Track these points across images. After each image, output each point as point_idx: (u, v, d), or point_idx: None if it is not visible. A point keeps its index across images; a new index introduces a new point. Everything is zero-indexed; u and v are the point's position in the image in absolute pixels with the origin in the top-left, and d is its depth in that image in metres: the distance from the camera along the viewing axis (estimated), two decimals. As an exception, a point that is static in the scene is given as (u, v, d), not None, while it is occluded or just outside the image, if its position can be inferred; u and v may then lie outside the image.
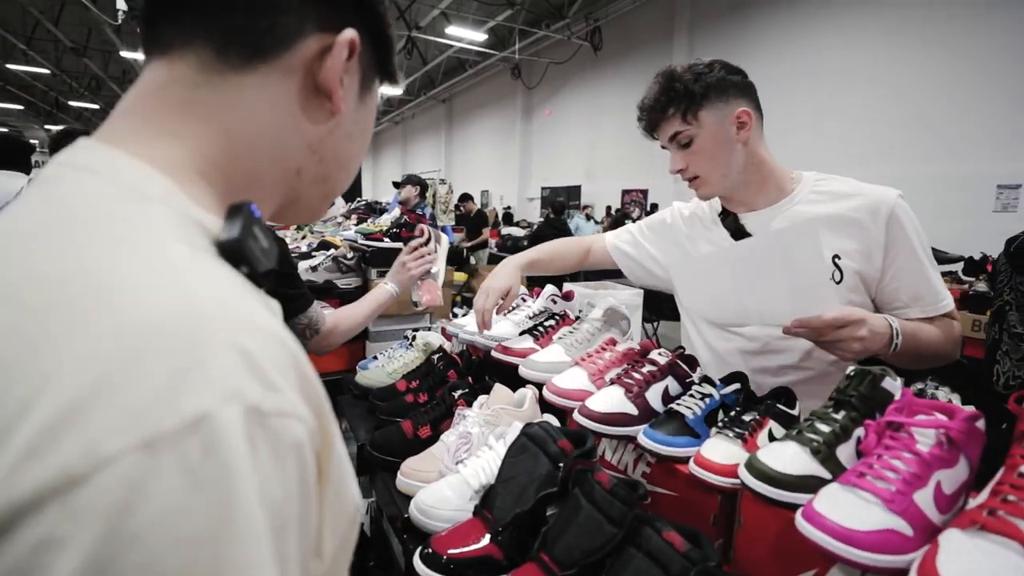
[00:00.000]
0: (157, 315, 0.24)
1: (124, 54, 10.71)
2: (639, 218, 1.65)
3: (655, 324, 4.91)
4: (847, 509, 0.53)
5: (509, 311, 1.25)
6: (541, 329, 1.23)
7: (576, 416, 0.86)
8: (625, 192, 11.59)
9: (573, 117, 12.85)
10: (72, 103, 16.44)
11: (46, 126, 19.92)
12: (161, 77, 0.35)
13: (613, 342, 1.06)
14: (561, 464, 0.72)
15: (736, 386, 0.84)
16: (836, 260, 0.95)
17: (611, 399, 0.86)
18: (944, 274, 3.32)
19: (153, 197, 0.31)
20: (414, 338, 1.41)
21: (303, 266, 2.37)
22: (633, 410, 0.85)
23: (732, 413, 0.79)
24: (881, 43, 6.67)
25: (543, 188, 13.76)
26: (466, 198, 8.06)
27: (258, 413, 0.24)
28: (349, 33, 0.38)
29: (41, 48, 11.85)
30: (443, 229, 4.29)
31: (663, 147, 1.04)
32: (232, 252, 0.31)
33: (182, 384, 0.23)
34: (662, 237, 1.20)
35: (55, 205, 0.29)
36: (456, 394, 1.05)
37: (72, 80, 14.20)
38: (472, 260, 6.80)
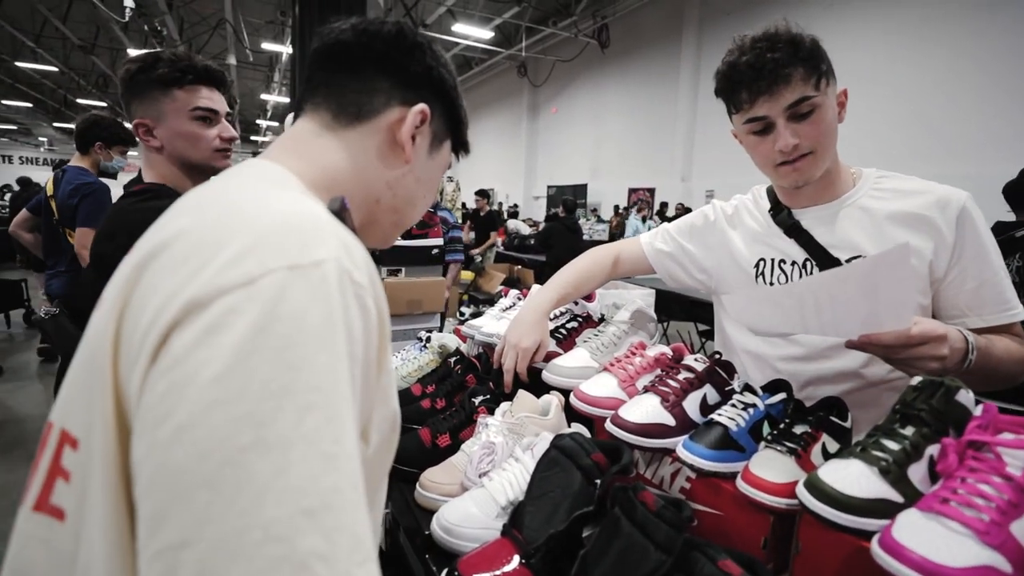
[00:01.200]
0: (294, 214, 0.39)
1: (132, 52, 10.71)
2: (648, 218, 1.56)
3: (665, 324, 4.85)
4: (934, 540, 0.47)
5: (501, 311, 1.18)
6: (564, 332, 1.17)
7: (609, 426, 0.80)
8: (632, 191, 11.51)
9: (579, 115, 12.78)
10: (80, 100, 16.48)
11: (54, 124, 20.00)
12: (300, 126, 0.55)
13: (643, 346, 1.00)
14: (598, 480, 0.67)
15: (782, 396, 0.78)
16: None
17: (646, 408, 0.80)
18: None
19: (288, 179, 0.49)
20: (428, 339, 1.35)
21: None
22: (671, 420, 0.79)
23: (781, 426, 0.73)
24: (890, 43, 6.59)
25: (549, 187, 13.69)
26: (483, 194, 7.96)
27: (349, 275, 0.37)
28: (420, 106, 0.55)
29: (49, 46, 11.87)
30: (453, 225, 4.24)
31: (754, 120, 0.86)
32: (335, 214, 0.44)
33: (307, 244, 0.37)
34: (704, 236, 1.12)
35: (238, 172, 0.50)
36: (476, 400, 0.99)
37: (80, 78, 14.23)
38: (479, 259, 6.73)
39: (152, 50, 1.21)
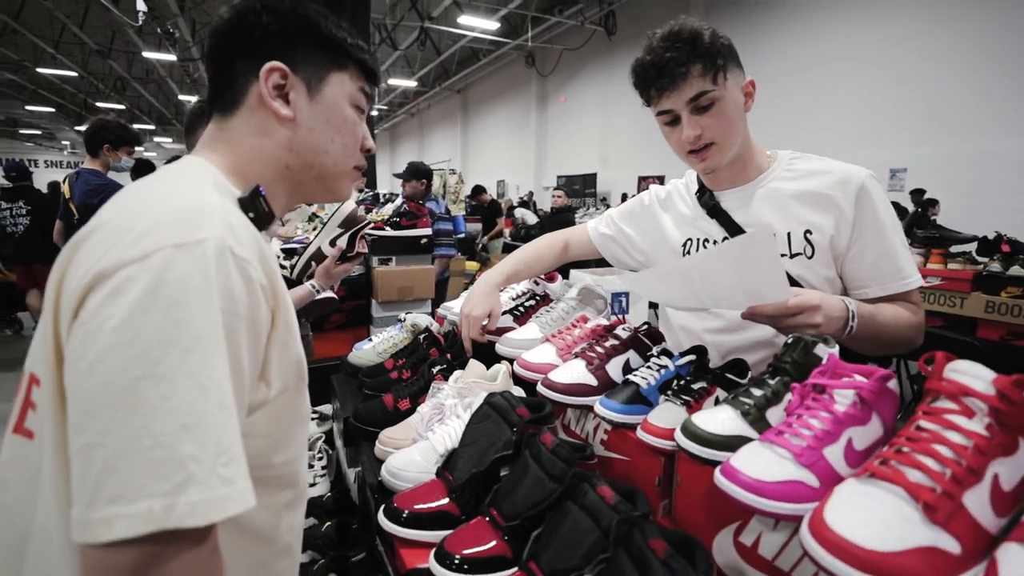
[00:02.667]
0: (192, 203, 0.50)
1: (146, 54, 10.99)
2: None
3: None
4: (760, 463, 0.57)
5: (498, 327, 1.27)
6: (521, 309, 1.28)
7: (540, 388, 0.91)
8: (641, 179, 11.45)
9: (588, 103, 12.72)
10: (100, 104, 16.95)
11: (76, 127, 20.57)
12: (209, 127, 0.64)
13: (585, 319, 1.10)
14: (515, 429, 0.77)
15: (691, 357, 0.87)
16: (808, 235, 0.96)
17: (573, 371, 0.91)
18: (958, 255, 3.24)
19: (205, 171, 0.59)
20: (405, 319, 1.47)
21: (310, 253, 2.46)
22: (593, 381, 0.89)
23: (682, 382, 0.82)
24: (891, 24, 6.47)
25: (559, 176, 13.69)
26: (479, 190, 8.07)
27: (231, 250, 0.48)
28: (267, 66, 0.60)
29: (68, 51, 12.23)
30: (454, 219, 4.34)
31: (664, 113, 0.95)
32: (242, 203, 0.57)
33: (196, 226, 0.47)
34: (640, 219, 1.21)
35: (161, 171, 0.61)
36: (435, 370, 1.10)
37: (99, 82, 14.62)
38: (486, 251, 6.84)
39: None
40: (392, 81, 14.98)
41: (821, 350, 0.69)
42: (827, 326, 0.80)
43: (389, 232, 2.25)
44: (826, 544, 0.46)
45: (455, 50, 13.11)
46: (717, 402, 0.78)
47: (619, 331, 0.97)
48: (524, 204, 11.43)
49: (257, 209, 0.58)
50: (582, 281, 1.23)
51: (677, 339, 1.14)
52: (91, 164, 2.62)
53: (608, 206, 11.28)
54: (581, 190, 12.83)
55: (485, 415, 0.84)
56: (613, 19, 10.68)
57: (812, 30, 7.37)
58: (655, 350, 0.93)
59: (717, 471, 0.59)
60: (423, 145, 21.62)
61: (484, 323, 1.14)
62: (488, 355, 1.14)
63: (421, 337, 1.30)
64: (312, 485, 1.27)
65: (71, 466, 0.42)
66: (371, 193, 3.50)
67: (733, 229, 1.02)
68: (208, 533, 0.44)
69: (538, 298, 1.30)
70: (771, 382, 0.69)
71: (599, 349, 0.94)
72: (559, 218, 6.01)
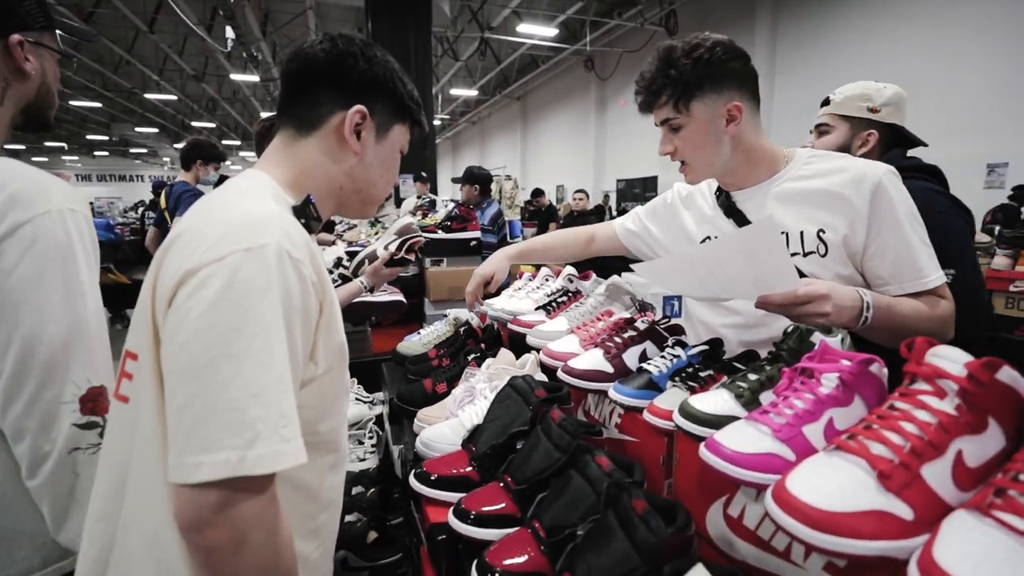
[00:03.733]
0: (256, 212, 0.62)
1: (234, 76, 12.06)
2: None
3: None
4: (740, 439, 0.62)
5: (514, 290, 1.39)
6: (554, 304, 1.35)
7: (560, 373, 0.98)
8: (703, 181, 11.12)
9: (647, 106, 12.45)
10: (194, 123, 18.75)
11: (174, 145, 22.82)
12: (276, 140, 0.76)
13: (609, 313, 1.16)
14: (531, 406, 0.86)
15: (702, 347, 0.91)
16: (821, 234, 0.98)
17: (591, 359, 0.98)
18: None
19: (265, 184, 0.71)
20: (449, 314, 1.59)
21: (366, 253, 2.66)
22: (609, 368, 0.96)
23: (690, 369, 0.87)
24: (978, 12, 5.91)
25: (618, 180, 13.55)
26: (538, 193, 8.19)
27: (288, 252, 0.59)
28: (355, 108, 0.72)
29: (170, 78, 13.67)
30: (510, 224, 4.46)
31: (657, 126, 1.05)
32: (295, 210, 0.70)
33: (260, 233, 0.59)
34: (663, 217, 1.26)
35: (231, 184, 0.72)
36: (470, 357, 1.20)
37: (194, 103, 16.20)
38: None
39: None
40: (454, 91, 15.47)
41: (816, 338, 0.73)
42: (838, 315, 0.82)
43: (441, 235, 2.39)
44: (784, 506, 0.51)
45: (514, 58, 13.35)
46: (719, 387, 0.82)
47: (638, 323, 1.03)
48: (599, 211, 11.40)
49: (308, 215, 0.71)
50: (612, 279, 1.29)
51: (697, 333, 1.17)
52: (184, 177, 2.99)
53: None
54: (641, 193, 12.61)
55: (507, 395, 0.92)
56: (674, 18, 10.47)
57: (889, 21, 6.90)
58: (670, 341, 0.98)
59: (702, 445, 0.64)
60: (483, 152, 22.08)
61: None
62: (523, 346, 1.23)
63: (461, 329, 1.41)
64: (362, 460, 1.41)
65: (167, 422, 0.55)
66: (429, 199, 3.69)
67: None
68: (269, 482, 0.56)
69: (570, 294, 1.38)
70: (767, 368, 0.73)
71: (617, 340, 1.00)
72: (581, 222, 5.96)
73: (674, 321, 1.07)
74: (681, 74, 0.94)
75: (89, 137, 21.61)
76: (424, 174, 5.62)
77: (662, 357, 0.93)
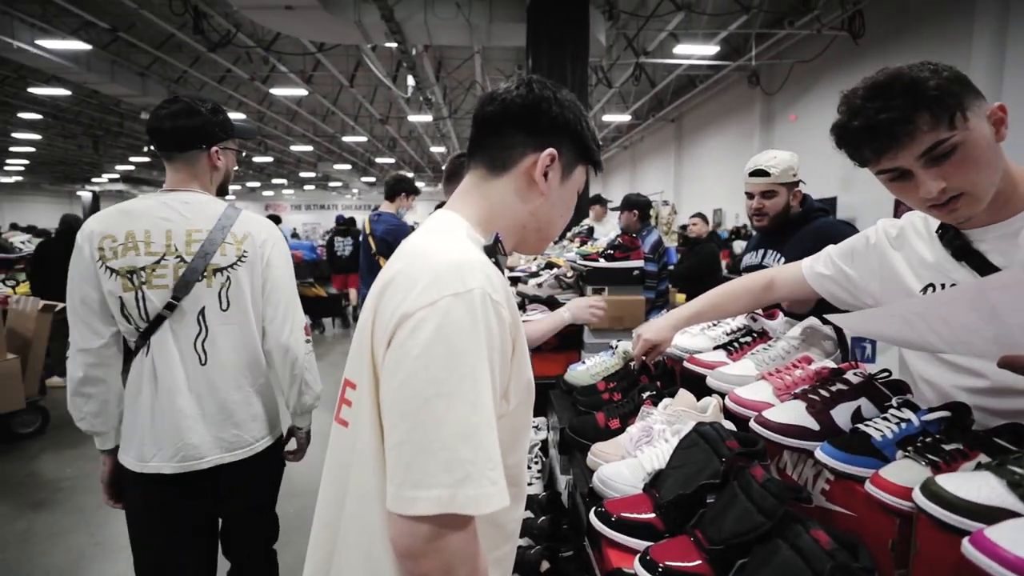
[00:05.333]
0: (459, 257, 0.66)
1: (411, 118, 13.73)
2: None
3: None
4: (1027, 539, 0.50)
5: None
6: (736, 345, 1.26)
7: (752, 424, 0.91)
8: (900, 202, 9.49)
9: (825, 119, 11.01)
10: (378, 160, 21.74)
11: (362, 179, 26.67)
12: (468, 179, 0.80)
13: (808, 360, 1.04)
14: (725, 459, 0.80)
15: (943, 413, 0.77)
16: None
17: (790, 412, 0.88)
18: None
19: (460, 226, 0.76)
20: (617, 346, 1.57)
21: (531, 283, 2.77)
22: (814, 425, 0.85)
23: (928, 439, 0.73)
24: None
25: (786, 202, 12.27)
26: (700, 217, 7.71)
27: (489, 296, 0.63)
28: (548, 152, 0.75)
29: (362, 123, 16.09)
30: (666, 251, 4.31)
31: (881, 173, 0.84)
32: (487, 249, 0.74)
33: (465, 278, 0.63)
34: (865, 260, 1.07)
35: (429, 225, 0.79)
36: (645, 395, 1.17)
37: (379, 143, 18.79)
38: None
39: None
40: (606, 117, 15.59)
41: None
42: None
43: (602, 263, 2.40)
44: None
45: (670, 80, 13.01)
46: (979, 468, 0.68)
47: (850, 375, 0.91)
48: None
49: (498, 254, 0.74)
50: (808, 320, 1.16)
51: (921, 394, 0.98)
52: (388, 208, 3.46)
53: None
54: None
55: (694, 442, 0.88)
56: (860, 20, 9.27)
57: None
58: (894, 401, 0.84)
59: (966, 541, 0.53)
60: (635, 177, 21.75)
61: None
62: (698, 387, 1.17)
63: (631, 364, 1.39)
64: (529, 485, 1.45)
65: (388, 455, 0.62)
66: (587, 226, 3.74)
67: (989, 273, 0.85)
68: (472, 519, 0.61)
69: (755, 335, 1.27)
70: (1056, 453, 0.59)
71: (823, 392, 0.89)
72: (701, 250, 5.20)
73: (862, 368, 0.92)
74: (939, 87, 0.76)
75: (301, 175, 26.36)
76: (602, 196, 5.69)
77: (884, 419, 0.80)
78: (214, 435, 1.32)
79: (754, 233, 2.32)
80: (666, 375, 1.31)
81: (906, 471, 0.69)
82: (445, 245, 0.70)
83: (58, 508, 3.05)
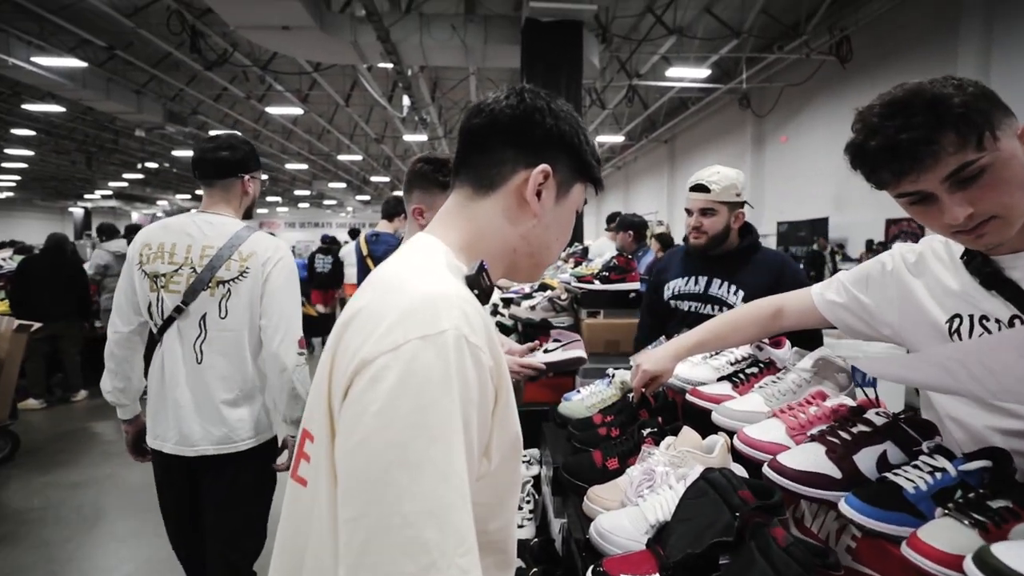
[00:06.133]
0: (431, 291, 0.55)
1: (406, 138, 13.79)
2: None
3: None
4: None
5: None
6: (741, 376, 1.18)
7: (765, 470, 0.82)
8: (891, 223, 9.57)
9: (815, 141, 11.33)
10: (372, 178, 21.79)
11: (356, 197, 26.71)
12: (452, 200, 0.70)
13: (822, 396, 0.96)
14: (739, 514, 0.71)
15: (984, 463, 0.68)
16: None
17: (809, 457, 0.79)
18: None
19: (439, 253, 0.64)
20: (613, 376, 1.48)
21: (524, 305, 2.68)
22: (836, 472, 0.77)
23: (972, 495, 0.65)
24: None
25: (779, 223, 12.34)
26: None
27: (466, 339, 0.52)
28: (540, 168, 0.65)
29: (357, 142, 16.16)
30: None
31: (901, 196, 0.77)
32: (468, 280, 0.62)
33: (437, 317, 0.52)
34: (881, 287, 0.99)
35: (405, 254, 0.66)
36: (645, 432, 1.08)
37: (374, 161, 18.86)
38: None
39: (435, 153, 1.74)
40: (600, 139, 15.74)
41: None
42: None
43: (598, 286, 2.32)
44: None
45: (663, 102, 13.18)
46: (1031, 531, 0.59)
47: (871, 415, 0.82)
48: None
49: (481, 286, 0.63)
50: (820, 351, 1.08)
51: (948, 434, 0.90)
52: (386, 228, 3.38)
53: (845, 254, 9.67)
54: (808, 237, 11.30)
55: (702, 491, 0.79)
56: (848, 45, 9.46)
57: None
58: (925, 446, 0.76)
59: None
60: (628, 196, 21.92)
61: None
62: (702, 423, 1.08)
63: (630, 396, 1.30)
64: (520, 527, 1.35)
65: (339, 531, 0.50)
66: (581, 247, 3.67)
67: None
68: None
69: (761, 365, 1.19)
70: None
71: (843, 435, 0.80)
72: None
73: (883, 406, 0.84)
74: (965, 104, 0.69)
75: (296, 193, 26.35)
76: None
77: (915, 467, 0.72)
78: (204, 428, 1.52)
79: (680, 251, 2.10)
80: (667, 408, 1.22)
81: (950, 534, 0.60)
82: (419, 275, 0.59)
83: (21, 542, 2.88)
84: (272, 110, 12.30)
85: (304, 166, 19.20)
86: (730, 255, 1.85)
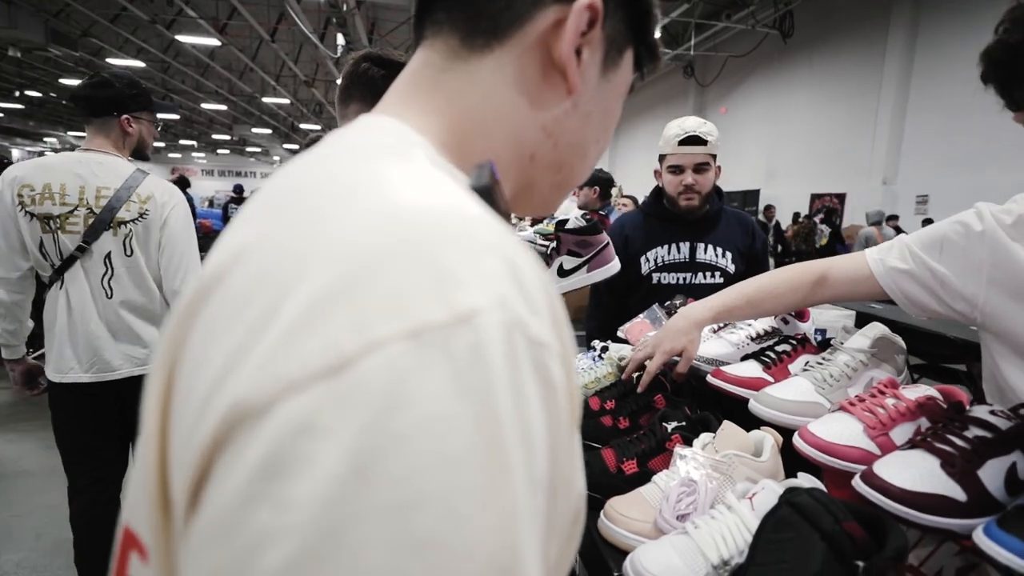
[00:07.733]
0: (429, 207, 0.24)
1: (340, 82, 12.69)
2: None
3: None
4: None
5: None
6: (772, 355, 0.99)
7: (861, 486, 0.62)
8: (815, 197, 10.08)
9: (754, 114, 11.64)
10: (303, 125, 20.11)
11: (284, 145, 24.72)
12: (418, 62, 0.38)
13: (893, 384, 0.78)
14: (859, 563, 0.51)
15: None
16: None
17: (920, 470, 0.60)
18: None
19: (413, 143, 0.32)
20: (604, 349, 1.26)
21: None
22: (959, 494, 0.58)
23: None
24: None
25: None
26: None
27: (523, 333, 0.22)
28: (583, 1, 0.34)
29: (285, 84, 14.68)
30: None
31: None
32: (484, 195, 0.29)
33: (452, 275, 0.21)
34: (965, 253, 0.82)
35: (350, 141, 0.33)
36: (669, 427, 0.87)
37: (303, 107, 17.33)
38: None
39: (389, 52, 1.35)
40: (545, 98, 15.33)
41: None
42: None
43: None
44: None
45: None
46: None
47: (981, 413, 0.64)
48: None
49: (498, 204, 0.31)
50: (873, 327, 0.90)
51: None
52: None
53: (771, 221, 10.04)
54: (740, 207, 11.73)
55: (787, 522, 0.58)
56: (790, 20, 9.62)
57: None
58: (1067, 456, 0.59)
59: None
60: (569, 160, 21.79)
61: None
62: (715, 402, 0.88)
63: (634, 376, 1.08)
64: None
65: None
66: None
67: None
68: None
69: (793, 343, 1.00)
70: None
71: (957, 441, 0.62)
72: None
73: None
74: None
75: (215, 137, 23.89)
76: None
77: (1067, 487, 0.54)
78: (124, 352, 1.57)
79: (640, 217, 1.77)
80: (684, 391, 1.02)
81: None
82: (382, 180, 0.27)
83: None
84: (183, 38, 10.78)
85: (223, 107, 17.27)
86: (705, 216, 1.64)
